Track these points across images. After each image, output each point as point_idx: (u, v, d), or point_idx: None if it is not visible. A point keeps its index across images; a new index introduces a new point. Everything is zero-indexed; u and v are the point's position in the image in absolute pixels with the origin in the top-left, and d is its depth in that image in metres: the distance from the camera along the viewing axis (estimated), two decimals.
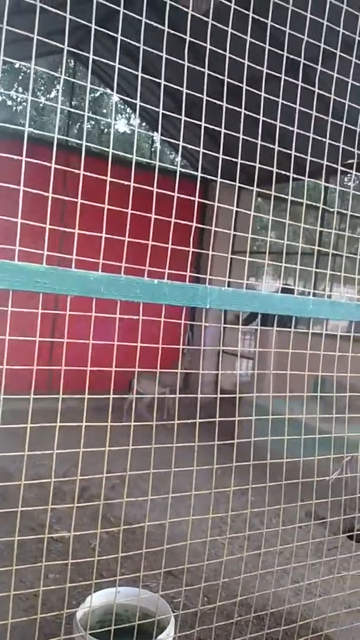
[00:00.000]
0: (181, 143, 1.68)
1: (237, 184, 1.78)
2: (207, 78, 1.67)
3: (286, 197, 1.95)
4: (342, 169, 2.02)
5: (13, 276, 1.33)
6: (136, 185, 1.55)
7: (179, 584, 2.19)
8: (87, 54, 1.48)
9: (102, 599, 2.10)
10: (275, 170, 1.82)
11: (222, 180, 1.76)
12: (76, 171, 1.44)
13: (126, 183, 1.54)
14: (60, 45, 1.45)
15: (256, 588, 2.11)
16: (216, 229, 1.82)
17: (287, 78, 1.83)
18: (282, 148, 1.90)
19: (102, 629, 1.91)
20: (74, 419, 1.59)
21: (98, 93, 13.80)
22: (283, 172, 1.90)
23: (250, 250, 1.91)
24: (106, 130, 13.60)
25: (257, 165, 1.78)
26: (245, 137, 1.73)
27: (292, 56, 1.89)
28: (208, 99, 1.67)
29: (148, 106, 1.64)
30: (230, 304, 1.73)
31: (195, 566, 2.04)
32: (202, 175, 1.72)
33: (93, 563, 1.79)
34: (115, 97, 9.79)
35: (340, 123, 1.97)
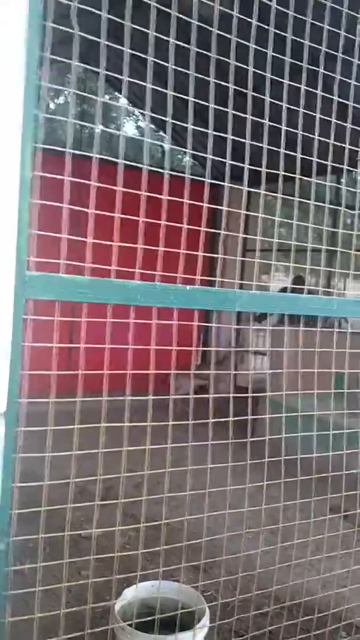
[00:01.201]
0: (189, 150, 1.73)
1: (246, 188, 1.83)
2: (216, 82, 1.72)
3: (291, 197, 1.99)
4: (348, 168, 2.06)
5: (60, 288, 1.42)
6: (149, 194, 1.60)
7: (207, 578, 2.25)
8: (97, 70, 1.52)
9: (136, 592, 2.19)
10: (281, 173, 1.86)
11: (230, 185, 1.80)
12: (91, 183, 1.49)
13: (138, 192, 1.59)
14: (67, 61, 1.51)
15: (290, 579, 2.16)
16: (226, 232, 1.86)
17: (291, 83, 1.87)
18: (289, 151, 1.94)
19: (139, 620, 1.99)
20: (93, 420, 1.65)
21: (107, 97, 13.85)
22: (289, 174, 1.93)
23: (263, 248, 1.95)
24: (116, 133, 13.66)
25: (264, 170, 1.82)
26: (252, 143, 1.78)
27: (294, 61, 1.92)
28: (216, 107, 1.71)
29: (157, 116, 1.69)
30: (259, 306, 1.81)
31: (222, 560, 2.10)
32: (212, 181, 1.76)
33: (123, 559, 1.86)
34: (124, 100, 9.85)
35: (345, 124, 2.01)
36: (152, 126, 9.78)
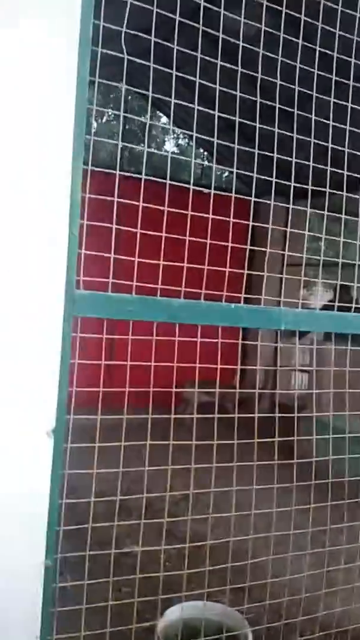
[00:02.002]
0: (235, 170, 1.74)
1: (291, 206, 1.82)
2: (260, 101, 1.73)
3: (340, 215, 1.97)
4: None
5: (108, 306, 1.45)
6: (193, 213, 1.62)
7: (249, 600, 2.21)
8: (146, 92, 1.55)
9: (178, 612, 2.16)
10: (328, 190, 1.85)
11: (275, 203, 1.80)
12: (139, 204, 1.52)
13: (183, 212, 1.61)
14: (115, 84, 1.54)
15: (337, 604, 2.09)
16: (268, 250, 1.86)
17: (337, 101, 1.87)
18: (335, 168, 1.93)
19: None
20: (131, 436, 1.66)
21: (148, 116, 14.10)
22: (337, 192, 1.92)
23: (300, 263, 1.93)
24: (156, 152, 13.88)
25: (310, 187, 1.81)
26: (297, 161, 1.78)
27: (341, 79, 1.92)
28: (261, 126, 1.72)
29: (202, 137, 1.71)
30: (305, 324, 1.78)
31: (265, 582, 2.07)
32: (256, 200, 1.77)
33: (163, 579, 1.84)
34: (166, 123, 9.99)
35: None
36: (191, 144, 9.88)
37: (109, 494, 1.70)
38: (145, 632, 2.37)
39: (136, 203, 1.53)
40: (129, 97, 9.20)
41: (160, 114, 10.29)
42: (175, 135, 14.99)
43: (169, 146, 14.68)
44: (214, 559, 2.05)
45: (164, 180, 1.59)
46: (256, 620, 2.58)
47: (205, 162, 10.14)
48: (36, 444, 1.33)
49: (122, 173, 1.48)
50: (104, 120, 15.40)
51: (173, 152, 14.70)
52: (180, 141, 14.40)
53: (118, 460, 1.66)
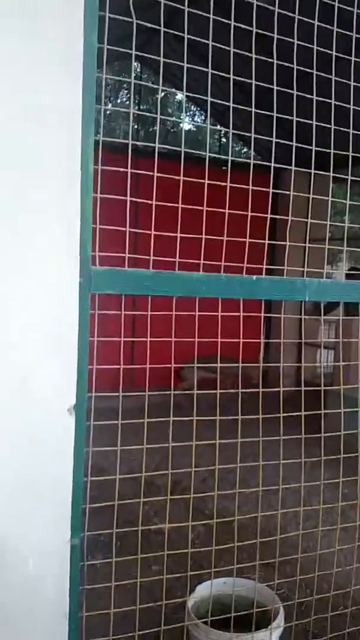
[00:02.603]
0: (253, 135, 1.67)
1: (313, 171, 1.75)
2: (276, 66, 1.66)
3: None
4: None
5: (125, 282, 1.42)
6: (210, 182, 1.57)
7: (279, 576, 2.20)
8: (155, 57, 1.50)
9: (209, 589, 2.17)
10: (351, 154, 1.77)
11: (296, 168, 1.74)
12: (153, 174, 1.48)
13: (200, 181, 1.56)
14: (129, 51, 1.49)
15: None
16: (292, 218, 1.80)
17: (357, 59, 1.78)
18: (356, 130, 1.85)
19: (214, 618, 1.97)
20: (156, 415, 1.64)
21: (163, 94, 13.92)
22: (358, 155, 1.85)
23: (324, 237, 1.87)
24: (172, 129, 13.72)
25: (332, 151, 1.74)
26: (318, 124, 1.70)
27: None
28: (278, 88, 1.65)
29: (218, 101, 1.65)
30: (330, 295, 1.73)
31: (295, 558, 2.05)
32: (276, 165, 1.70)
33: (193, 555, 1.84)
34: (182, 96, 9.85)
35: None
36: (210, 119, 9.73)
37: (138, 472, 1.69)
38: (176, 608, 2.38)
39: (150, 173, 1.48)
40: (142, 75, 9.07)
41: (175, 91, 10.14)
42: (191, 113, 14.79)
43: (185, 125, 14.49)
44: (243, 535, 2.04)
45: (179, 153, 1.54)
46: (287, 596, 2.58)
47: (223, 138, 9.98)
48: (58, 422, 1.31)
49: (134, 143, 1.43)
50: (118, 101, 15.27)
51: (189, 130, 14.52)
52: (196, 118, 14.20)
53: (147, 440, 1.64)
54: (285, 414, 1.79)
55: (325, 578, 2.27)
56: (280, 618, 2.10)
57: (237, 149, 13.28)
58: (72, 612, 1.39)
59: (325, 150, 1.76)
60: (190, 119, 14.78)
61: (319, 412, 1.91)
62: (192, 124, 14.44)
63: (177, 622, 2.03)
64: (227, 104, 1.62)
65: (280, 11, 1.67)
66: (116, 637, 1.61)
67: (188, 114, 14.83)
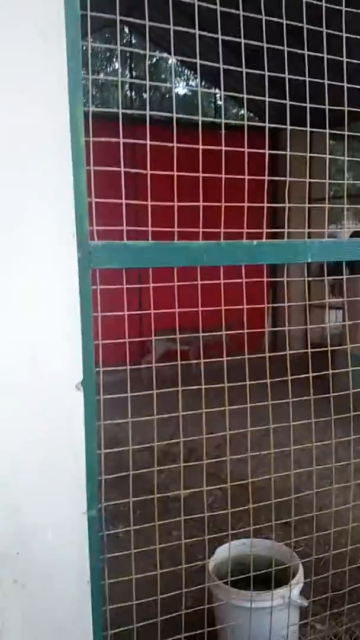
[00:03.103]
0: (245, 96, 1.64)
1: (309, 129, 1.72)
2: (265, 23, 1.61)
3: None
4: None
5: (124, 255, 1.41)
6: (205, 147, 1.54)
7: (296, 534, 2.24)
8: (142, 21, 1.46)
9: (228, 551, 2.22)
10: (347, 109, 1.73)
11: (292, 127, 1.70)
12: (146, 142, 1.45)
13: (194, 146, 1.53)
14: (113, 17, 1.45)
15: None
16: (291, 179, 1.77)
17: (349, 9, 1.72)
18: (353, 84, 1.80)
19: (234, 578, 2.02)
20: (167, 386, 1.65)
21: (154, 59, 13.62)
22: (356, 110, 1.80)
23: (325, 196, 1.85)
24: (167, 95, 13.46)
25: (327, 107, 1.70)
26: (312, 79, 1.66)
27: None
28: (268, 45, 1.60)
29: (208, 63, 1.61)
30: (333, 255, 1.71)
31: (311, 516, 2.08)
32: (272, 125, 1.67)
33: (211, 519, 1.87)
34: (173, 60, 9.63)
35: None
36: (204, 83, 9.52)
37: (152, 442, 1.72)
38: (197, 571, 2.44)
39: (143, 142, 1.46)
40: (132, 41, 8.85)
41: (167, 56, 9.91)
42: (184, 78, 14.48)
43: (180, 90, 14.20)
44: (259, 497, 2.07)
45: (170, 115, 1.51)
46: (305, 552, 2.63)
47: (218, 99, 9.78)
48: (67, 398, 1.33)
49: (124, 111, 1.41)
50: (109, 69, 14.94)
51: (184, 95, 14.24)
52: (191, 82, 13.90)
53: (160, 411, 1.66)
54: (293, 377, 1.80)
55: (342, 533, 2.31)
56: (300, 574, 2.15)
57: (234, 111, 13.03)
58: (94, 580, 1.43)
59: (320, 106, 1.72)
60: (185, 83, 14.48)
61: (326, 372, 1.92)
62: (187, 89, 14.16)
63: (199, 584, 2.09)
64: (217, 65, 1.58)
65: None
66: (139, 601, 1.65)
67: (182, 78, 14.52)
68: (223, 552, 2.31)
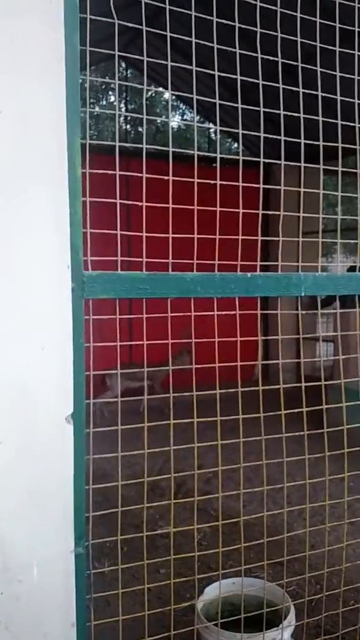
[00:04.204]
0: (240, 131, 1.66)
1: (303, 164, 1.74)
2: (260, 61, 1.65)
3: (354, 170, 1.88)
4: None
5: (118, 286, 1.40)
6: (199, 181, 1.55)
7: (288, 574, 2.19)
8: (139, 57, 1.49)
9: (217, 590, 2.16)
10: (340, 145, 1.76)
11: (285, 162, 1.72)
12: (142, 175, 1.46)
13: (189, 180, 1.54)
14: (112, 52, 1.48)
15: None
16: (283, 213, 1.78)
17: (342, 50, 1.77)
18: (345, 121, 1.83)
19: (224, 620, 1.96)
20: (157, 418, 1.62)
21: (150, 93, 13.91)
22: (348, 146, 1.83)
23: (317, 230, 1.87)
24: (162, 128, 13.70)
25: (321, 143, 1.73)
26: (306, 116, 1.69)
27: (345, 27, 1.81)
28: (263, 82, 1.63)
29: (203, 98, 1.64)
30: (326, 289, 1.72)
31: (303, 555, 2.03)
32: (266, 160, 1.69)
33: (200, 557, 1.82)
34: (168, 95, 9.84)
35: None
36: (198, 117, 9.72)
37: (141, 476, 1.68)
38: (185, 611, 2.37)
39: (139, 175, 1.46)
40: (128, 76, 9.05)
41: (163, 90, 10.12)
42: (180, 111, 14.77)
43: (174, 123, 14.48)
44: (250, 535, 2.03)
45: (166, 151, 1.52)
46: (297, 593, 2.57)
47: (212, 133, 9.96)
48: (57, 430, 1.30)
49: (122, 145, 1.42)
50: (104, 102, 15.23)
51: (178, 128, 14.51)
52: (186, 117, 14.18)
53: (149, 443, 1.62)
54: (286, 411, 1.78)
55: (334, 573, 2.25)
56: (291, 616, 2.09)
57: (227, 145, 13.27)
58: (80, 621, 1.37)
59: (314, 142, 1.74)
60: (180, 117, 14.78)
61: (320, 407, 1.90)
62: (181, 122, 14.43)
63: (187, 626, 2.02)
64: (213, 100, 1.60)
65: (263, 5, 1.66)
66: None
67: (177, 112, 14.82)
68: (212, 592, 2.25)
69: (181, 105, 13.97)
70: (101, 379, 5.91)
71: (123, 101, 9.15)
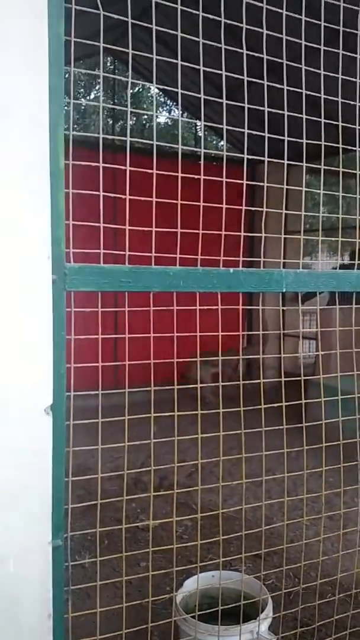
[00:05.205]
0: (225, 127, 1.66)
1: (286, 162, 1.75)
2: (247, 58, 1.65)
3: (337, 169, 1.90)
4: None
5: (100, 278, 1.39)
6: (184, 175, 1.56)
7: (267, 567, 2.21)
8: (125, 49, 1.48)
9: (197, 583, 2.17)
10: (323, 143, 1.77)
11: (270, 159, 1.73)
12: (126, 168, 1.46)
13: (173, 174, 1.54)
14: (97, 44, 1.47)
15: (355, 565, 2.08)
16: (267, 209, 1.79)
17: (327, 48, 1.78)
18: (329, 120, 1.85)
19: (202, 612, 1.97)
20: (141, 413, 1.63)
21: (136, 89, 13.86)
22: (332, 145, 1.85)
23: (303, 229, 1.88)
24: (148, 124, 13.66)
25: (305, 141, 1.74)
26: (290, 114, 1.70)
27: (331, 25, 1.83)
28: (249, 79, 1.64)
29: (189, 93, 1.64)
30: (307, 285, 1.73)
31: (281, 548, 2.06)
32: (250, 157, 1.70)
33: (181, 550, 1.83)
34: (155, 90, 9.81)
35: None
36: (186, 114, 9.71)
37: (123, 470, 1.68)
38: (165, 604, 2.38)
39: (123, 167, 1.46)
40: (116, 70, 9.00)
41: (150, 85, 10.08)
42: (167, 107, 14.75)
43: (161, 119, 14.45)
44: (230, 529, 2.04)
45: (151, 142, 1.53)
46: (275, 586, 2.59)
47: (199, 131, 9.96)
48: (35, 422, 1.30)
49: (106, 137, 1.42)
50: (91, 96, 15.15)
51: (166, 124, 14.47)
52: (173, 114, 14.16)
53: (133, 438, 1.63)
54: (266, 406, 1.79)
55: (312, 566, 2.29)
56: (269, 609, 2.11)
57: (213, 142, 13.28)
58: (57, 613, 1.37)
59: (298, 140, 1.75)
60: (167, 113, 14.75)
61: (299, 402, 1.92)
62: (167, 118, 14.40)
63: (166, 618, 2.03)
64: (198, 96, 1.61)
65: (250, 1, 1.66)
66: (103, 636, 1.60)
67: (164, 108, 14.78)
68: (191, 585, 2.26)
69: (169, 102, 13.95)
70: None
71: (110, 96, 9.10)
